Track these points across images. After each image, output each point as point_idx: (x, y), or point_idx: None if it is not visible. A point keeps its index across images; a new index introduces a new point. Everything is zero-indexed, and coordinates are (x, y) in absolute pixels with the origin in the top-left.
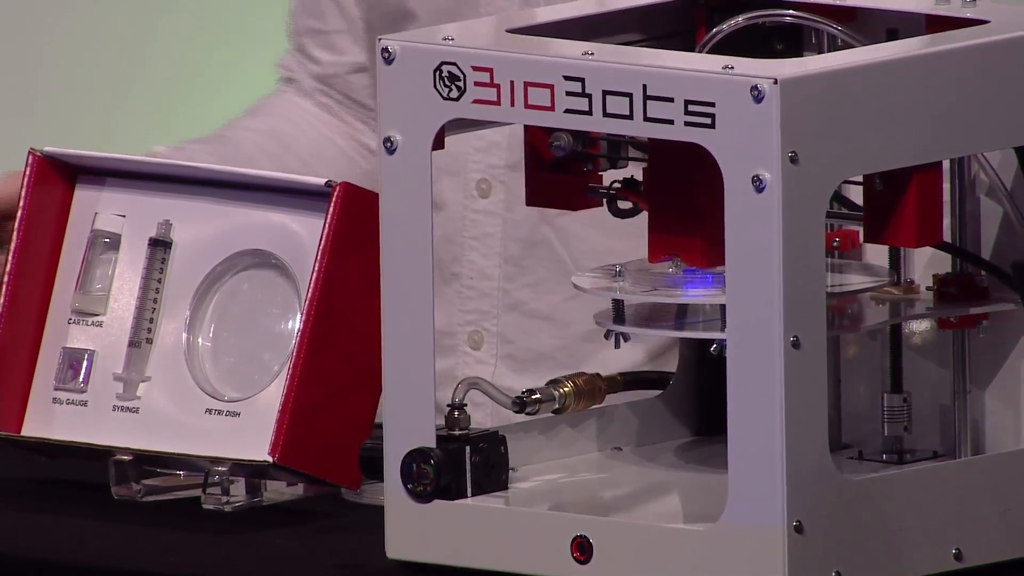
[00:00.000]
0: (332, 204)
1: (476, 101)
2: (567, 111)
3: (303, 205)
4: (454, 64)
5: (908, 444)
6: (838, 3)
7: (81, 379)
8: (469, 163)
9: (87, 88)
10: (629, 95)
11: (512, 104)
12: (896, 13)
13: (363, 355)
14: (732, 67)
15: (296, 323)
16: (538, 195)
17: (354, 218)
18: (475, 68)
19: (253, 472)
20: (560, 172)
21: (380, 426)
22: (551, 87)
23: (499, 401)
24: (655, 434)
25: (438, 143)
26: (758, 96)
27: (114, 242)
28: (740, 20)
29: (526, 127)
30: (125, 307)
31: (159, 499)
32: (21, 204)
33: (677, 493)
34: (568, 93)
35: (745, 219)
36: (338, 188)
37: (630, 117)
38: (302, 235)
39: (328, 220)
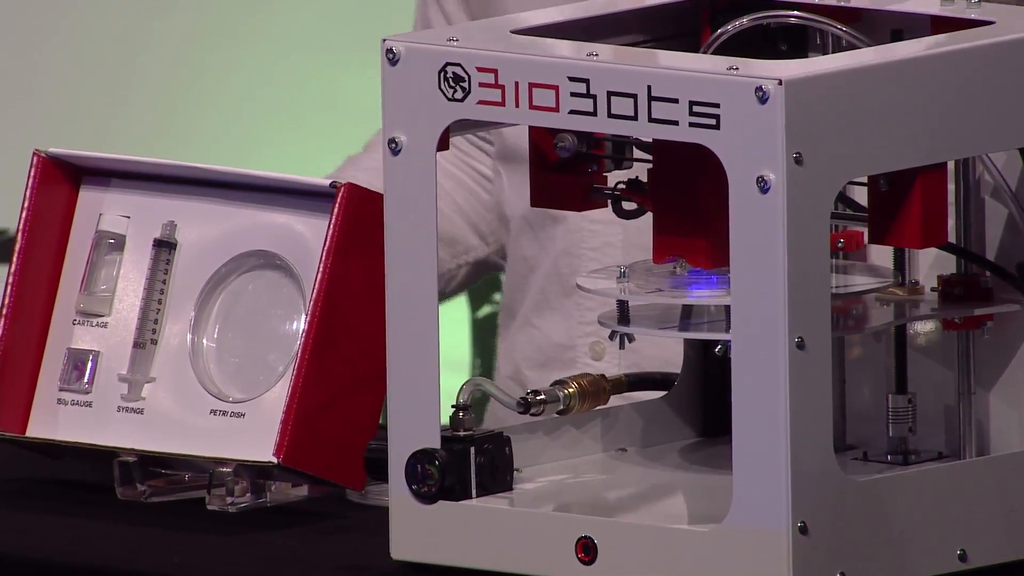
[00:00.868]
0: (337, 205)
1: (481, 102)
2: (572, 112)
3: (307, 206)
4: (459, 65)
5: (913, 445)
6: (843, 4)
7: (86, 380)
8: None
9: (91, 89)
10: (634, 96)
11: (517, 105)
12: (901, 14)
13: (368, 356)
14: (737, 68)
15: (301, 324)
16: (543, 196)
17: (359, 219)
18: (480, 69)
19: (258, 473)
20: (565, 173)
21: (385, 427)
22: (556, 88)
23: (504, 402)
24: (660, 435)
25: (443, 144)
26: (763, 97)
27: (119, 243)
28: (745, 21)
29: (531, 128)
30: (130, 308)
31: (164, 500)
32: (25, 205)
33: (682, 494)
34: (573, 94)
35: (750, 220)
36: (342, 189)
37: (634, 118)
38: (307, 236)
39: (333, 221)
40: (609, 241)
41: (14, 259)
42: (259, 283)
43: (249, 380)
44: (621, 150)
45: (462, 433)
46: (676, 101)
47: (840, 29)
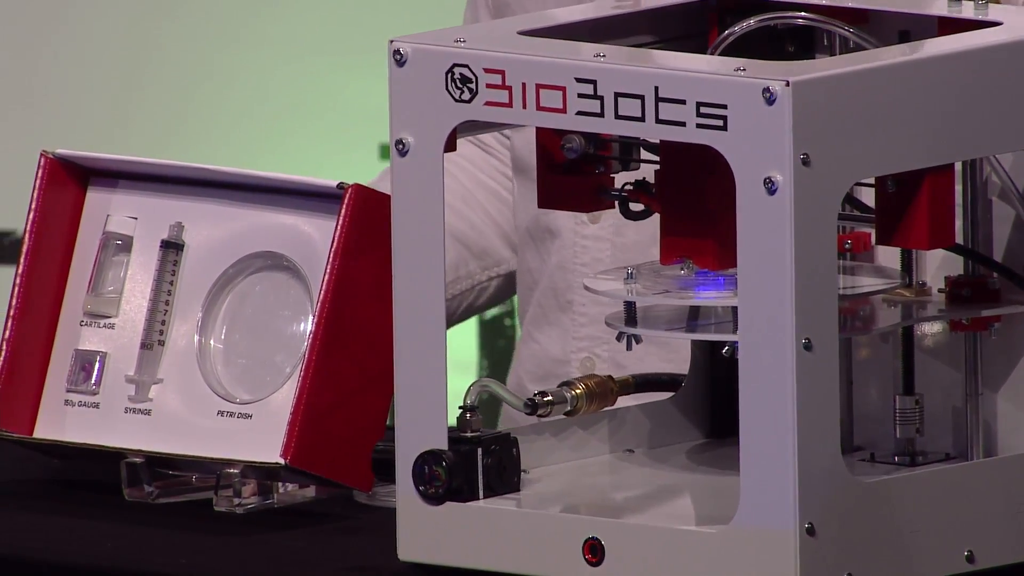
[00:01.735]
0: (344, 206)
1: (488, 103)
2: (579, 113)
3: (315, 207)
4: (466, 66)
5: (920, 446)
6: (850, 5)
7: (93, 381)
8: None
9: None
10: (641, 97)
11: (524, 106)
12: (908, 15)
13: (375, 357)
14: (744, 69)
15: (308, 325)
16: (550, 197)
17: (366, 220)
18: (487, 70)
19: (265, 474)
20: (572, 174)
21: (392, 428)
22: (563, 89)
23: (511, 403)
24: (667, 436)
25: (450, 145)
26: (770, 98)
27: (126, 244)
28: (752, 22)
29: (538, 129)
30: (137, 309)
31: (171, 501)
32: (33, 207)
33: (689, 495)
34: (580, 95)
35: (757, 221)
36: (350, 190)
37: (642, 119)
38: (314, 237)
39: (340, 222)
40: (598, 257)
41: (21, 260)
42: (266, 284)
43: (256, 381)
44: (628, 151)
45: (469, 434)
46: (683, 102)
47: (847, 30)
